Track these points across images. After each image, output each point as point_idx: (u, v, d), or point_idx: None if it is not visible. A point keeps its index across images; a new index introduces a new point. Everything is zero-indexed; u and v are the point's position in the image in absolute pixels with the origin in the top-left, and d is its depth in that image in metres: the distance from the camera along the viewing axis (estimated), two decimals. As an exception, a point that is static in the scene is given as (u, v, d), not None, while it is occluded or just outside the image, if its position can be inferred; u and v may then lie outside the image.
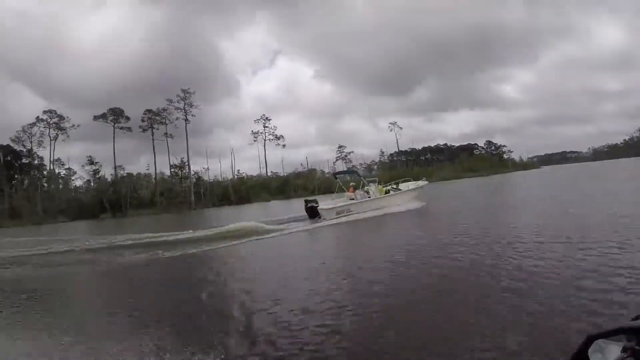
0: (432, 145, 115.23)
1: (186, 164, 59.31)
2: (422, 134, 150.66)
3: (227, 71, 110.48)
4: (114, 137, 55.27)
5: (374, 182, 19.87)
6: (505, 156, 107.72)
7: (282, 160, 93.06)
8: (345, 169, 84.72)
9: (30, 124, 55.20)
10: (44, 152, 56.74)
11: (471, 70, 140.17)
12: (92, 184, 56.67)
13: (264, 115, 71.98)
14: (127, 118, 55.62)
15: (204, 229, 16.19)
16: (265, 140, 71.73)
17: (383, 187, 19.98)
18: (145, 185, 57.03)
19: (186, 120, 57.69)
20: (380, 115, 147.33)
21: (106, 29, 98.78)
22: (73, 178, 60.75)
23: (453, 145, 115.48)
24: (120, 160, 56.17)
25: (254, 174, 71.34)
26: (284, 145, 73.38)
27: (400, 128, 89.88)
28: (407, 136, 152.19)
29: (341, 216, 16.95)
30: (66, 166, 59.72)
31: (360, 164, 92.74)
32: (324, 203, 18.34)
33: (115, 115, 54.77)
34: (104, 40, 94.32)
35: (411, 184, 20.96)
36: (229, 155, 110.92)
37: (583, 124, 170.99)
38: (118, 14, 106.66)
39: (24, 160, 65.35)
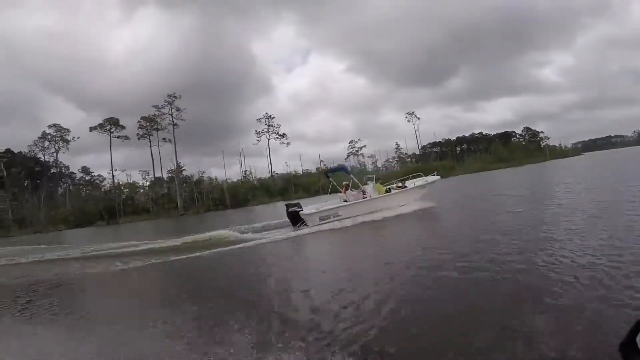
0: (467, 134, 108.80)
1: (183, 168, 60.08)
2: (461, 124, 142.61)
3: (259, 71, 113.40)
4: (110, 146, 57.52)
5: (371, 179, 17.06)
6: (542, 143, 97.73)
7: (300, 157, 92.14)
8: (358, 165, 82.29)
9: (40, 138, 58.70)
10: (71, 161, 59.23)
11: (507, 56, 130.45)
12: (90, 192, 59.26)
13: (266, 113, 71.18)
14: (122, 127, 57.48)
15: (170, 238, 14.81)
16: (269, 139, 70.99)
17: (387, 185, 17.20)
18: (144, 191, 58.49)
19: (174, 125, 58.22)
20: (416, 107, 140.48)
21: (136, 40, 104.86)
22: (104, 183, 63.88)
23: (489, 134, 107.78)
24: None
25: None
26: (288, 144, 72.22)
27: (418, 118, 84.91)
28: (447, 126, 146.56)
29: (326, 222, 14.59)
30: (96, 174, 63.66)
31: (393, 158, 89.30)
32: (309, 207, 16.00)
33: (112, 124, 56.73)
34: (135, 50, 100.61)
35: (418, 181, 17.82)
36: (265, 154, 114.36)
37: (627, 107, 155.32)
38: (146, 24, 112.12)
39: (52, 171, 70.92)
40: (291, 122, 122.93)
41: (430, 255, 7.22)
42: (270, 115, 70.92)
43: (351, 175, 16.98)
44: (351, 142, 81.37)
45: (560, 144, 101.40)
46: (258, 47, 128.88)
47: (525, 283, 4.83)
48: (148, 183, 60.00)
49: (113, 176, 57.62)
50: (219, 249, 11.53)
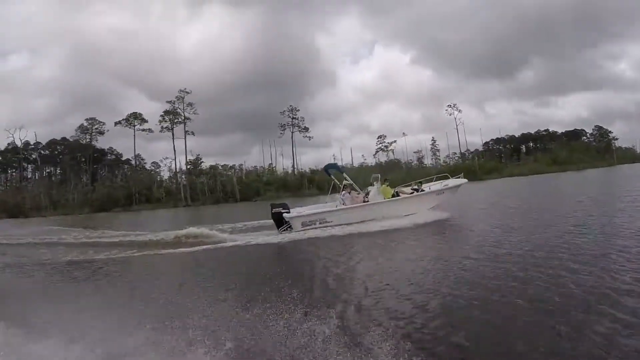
0: (533, 131, 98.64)
1: (201, 160, 62.36)
2: (534, 120, 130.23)
3: (323, 64, 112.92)
4: (134, 139, 61.74)
5: (377, 180, 14.53)
6: (615, 144, 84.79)
7: (340, 150, 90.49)
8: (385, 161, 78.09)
9: (79, 128, 65.32)
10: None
11: (582, 47, 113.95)
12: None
13: (290, 106, 70.51)
14: (145, 121, 61.33)
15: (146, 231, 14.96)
16: (292, 132, 70.53)
17: (398, 188, 14.67)
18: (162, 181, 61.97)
19: (185, 119, 60.15)
20: (485, 100, 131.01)
21: (205, 36, 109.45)
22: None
23: (556, 132, 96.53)
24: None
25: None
26: (310, 138, 71.06)
27: (460, 111, 77.87)
28: (518, 122, 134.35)
29: (310, 228, 12.74)
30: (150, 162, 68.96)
31: (454, 154, 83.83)
32: (298, 209, 14.09)
33: (135, 119, 60.88)
34: (204, 45, 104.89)
35: (435, 185, 14.89)
36: (332, 145, 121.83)
37: None
38: (214, 21, 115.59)
39: (109, 157, 78.31)
40: (356, 114, 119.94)
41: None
42: (294, 108, 70.14)
43: (345, 175, 14.74)
44: (379, 137, 77.46)
45: (634, 147, 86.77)
46: (322, 40, 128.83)
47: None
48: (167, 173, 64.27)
49: (136, 165, 61.93)
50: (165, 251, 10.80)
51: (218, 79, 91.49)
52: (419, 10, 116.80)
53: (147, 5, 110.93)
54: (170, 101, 60.09)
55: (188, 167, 61.73)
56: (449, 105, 77.95)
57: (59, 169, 73.20)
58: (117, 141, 75.19)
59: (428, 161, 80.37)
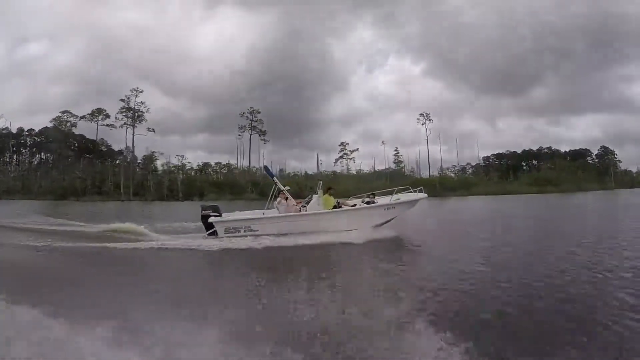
0: (534, 149, 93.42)
1: (156, 158, 66.10)
2: (543, 137, 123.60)
3: (337, 70, 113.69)
4: (97, 133, 66.53)
5: (319, 187, 13.00)
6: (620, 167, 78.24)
7: (317, 156, 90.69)
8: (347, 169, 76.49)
9: (53, 119, 71.21)
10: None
11: (595, 68, 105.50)
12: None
13: (250, 107, 71.44)
14: (107, 116, 65.90)
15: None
16: (251, 134, 71.84)
17: (341, 199, 13.35)
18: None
19: (134, 116, 63.64)
20: (497, 115, 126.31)
21: (219, 36, 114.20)
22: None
23: (559, 150, 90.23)
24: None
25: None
26: (266, 141, 71.98)
27: (430, 121, 74.68)
28: (529, 138, 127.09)
29: (233, 236, 11.76)
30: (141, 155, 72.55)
31: (462, 166, 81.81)
32: (230, 214, 12.99)
33: (99, 114, 65.61)
34: (218, 45, 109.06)
35: (382, 199, 13.43)
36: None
37: None
38: (228, 22, 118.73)
39: (102, 148, 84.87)
40: (365, 121, 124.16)
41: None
42: (255, 110, 71.22)
43: (275, 179, 13.29)
44: (342, 144, 76.29)
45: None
46: (335, 47, 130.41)
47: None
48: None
49: (97, 159, 66.93)
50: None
51: (230, 79, 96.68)
52: (432, 22, 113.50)
53: (165, 3, 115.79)
54: (123, 99, 64.06)
55: (139, 163, 65.59)
56: (421, 114, 74.69)
57: (50, 156, 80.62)
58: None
59: (426, 172, 77.75)
